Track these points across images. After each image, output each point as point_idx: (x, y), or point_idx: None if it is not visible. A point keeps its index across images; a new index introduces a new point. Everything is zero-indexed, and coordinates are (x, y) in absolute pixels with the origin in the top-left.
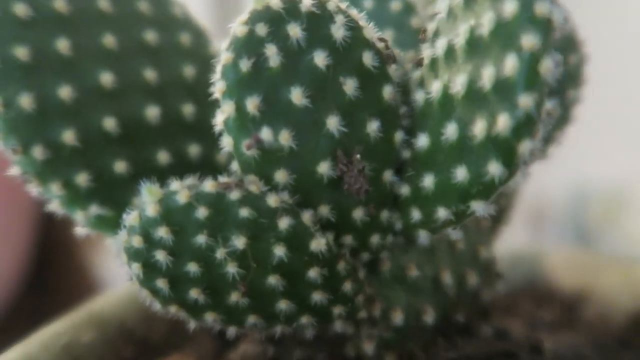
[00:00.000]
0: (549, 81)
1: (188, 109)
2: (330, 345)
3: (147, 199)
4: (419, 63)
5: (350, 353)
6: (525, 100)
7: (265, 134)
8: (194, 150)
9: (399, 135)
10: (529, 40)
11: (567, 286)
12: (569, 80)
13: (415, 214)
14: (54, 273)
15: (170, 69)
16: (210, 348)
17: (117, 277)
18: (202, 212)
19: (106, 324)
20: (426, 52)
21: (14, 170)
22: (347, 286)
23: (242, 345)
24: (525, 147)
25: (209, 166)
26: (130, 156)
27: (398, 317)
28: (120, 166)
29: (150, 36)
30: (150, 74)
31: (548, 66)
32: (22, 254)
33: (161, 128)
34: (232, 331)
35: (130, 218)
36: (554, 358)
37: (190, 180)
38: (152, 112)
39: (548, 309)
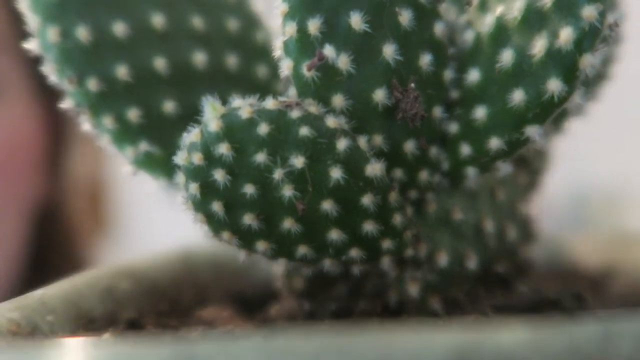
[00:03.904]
0: None
1: (232, 60)
2: (369, 296)
3: (210, 115)
4: (468, 3)
5: (392, 299)
6: (589, 10)
7: (329, 50)
8: None
9: (448, 73)
10: None
11: (592, 265)
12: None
13: (465, 149)
14: (51, 275)
15: (216, 21)
16: (241, 309)
17: None
18: (263, 129)
19: (141, 280)
20: None
21: (67, 103)
22: (397, 219)
23: (275, 304)
24: (586, 60)
25: None
26: (178, 98)
27: (443, 259)
28: (168, 106)
29: None
30: (197, 22)
31: None
32: (19, 255)
33: (207, 75)
34: (280, 265)
35: (192, 135)
36: (594, 307)
37: (251, 99)
38: (199, 58)
39: (574, 286)
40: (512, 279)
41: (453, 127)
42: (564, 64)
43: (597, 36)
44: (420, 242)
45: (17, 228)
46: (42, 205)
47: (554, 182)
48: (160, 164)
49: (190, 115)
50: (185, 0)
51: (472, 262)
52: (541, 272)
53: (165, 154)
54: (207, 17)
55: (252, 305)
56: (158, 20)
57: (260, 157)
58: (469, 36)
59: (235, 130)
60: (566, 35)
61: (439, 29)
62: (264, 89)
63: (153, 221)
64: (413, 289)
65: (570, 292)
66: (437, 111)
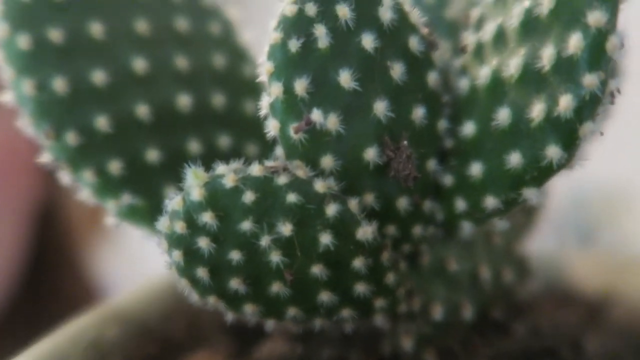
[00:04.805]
0: (615, 59)
1: (218, 99)
2: (363, 343)
3: (192, 182)
4: (463, 49)
5: (386, 350)
6: (591, 79)
7: (316, 115)
8: (224, 141)
9: (442, 124)
10: (595, 17)
11: (590, 289)
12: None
13: (460, 204)
14: (51, 277)
15: (201, 58)
16: (233, 346)
17: (115, 281)
18: (249, 197)
19: (129, 322)
20: (471, 39)
21: (45, 157)
22: (390, 278)
23: (268, 344)
24: (586, 128)
25: (238, 158)
26: (162, 145)
27: (437, 312)
28: (152, 155)
29: (181, 24)
30: (181, 62)
31: (614, 43)
32: (19, 257)
33: (192, 117)
34: (269, 324)
35: (174, 203)
36: (593, 357)
37: (235, 164)
38: (184, 101)
39: (572, 311)
40: (508, 321)
41: (448, 180)
42: (564, 131)
43: (598, 104)
44: (414, 296)
45: (17, 228)
46: (41, 205)
47: (555, 185)
48: (145, 215)
49: (175, 161)
50: (168, 38)
51: (467, 312)
52: (540, 295)
53: (149, 204)
54: (192, 55)
55: (247, 333)
56: (139, 64)
57: (246, 225)
58: (463, 84)
59: (219, 199)
60: (566, 103)
61: (432, 78)
62: (251, 126)
63: None
64: (407, 343)
65: (567, 339)
66: (431, 164)
